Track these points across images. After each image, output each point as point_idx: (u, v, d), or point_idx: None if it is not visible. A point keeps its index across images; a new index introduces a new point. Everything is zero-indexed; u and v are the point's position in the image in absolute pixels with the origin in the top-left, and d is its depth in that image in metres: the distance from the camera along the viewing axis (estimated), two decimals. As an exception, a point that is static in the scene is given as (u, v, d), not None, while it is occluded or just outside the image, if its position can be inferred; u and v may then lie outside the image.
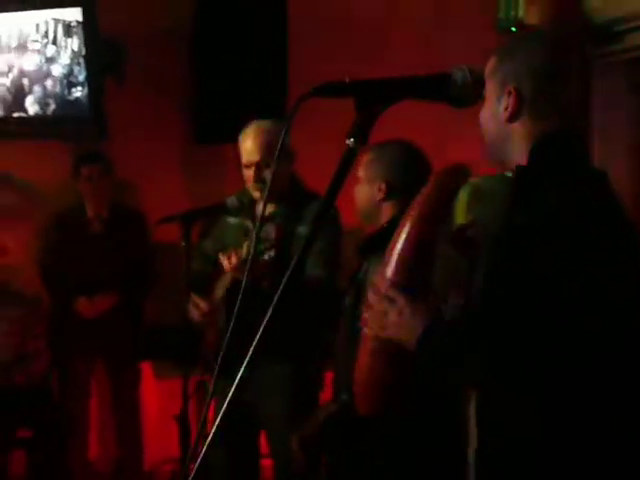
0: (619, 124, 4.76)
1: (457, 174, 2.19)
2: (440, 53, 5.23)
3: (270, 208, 3.69)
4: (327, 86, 1.73)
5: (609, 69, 4.71)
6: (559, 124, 1.99)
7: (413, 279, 2.09)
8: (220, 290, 3.70)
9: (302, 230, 3.51)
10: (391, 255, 2.13)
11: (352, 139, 1.70)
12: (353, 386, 2.31)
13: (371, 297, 2.09)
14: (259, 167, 3.65)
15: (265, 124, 3.71)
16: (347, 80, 1.73)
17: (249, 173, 3.70)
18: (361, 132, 1.71)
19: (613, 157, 4.53)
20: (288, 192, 3.71)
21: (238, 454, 3.79)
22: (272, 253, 3.39)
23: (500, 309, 1.88)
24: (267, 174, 3.63)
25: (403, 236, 2.12)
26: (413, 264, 2.10)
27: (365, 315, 2.11)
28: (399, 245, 2.12)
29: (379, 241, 2.87)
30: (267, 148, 3.63)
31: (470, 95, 1.80)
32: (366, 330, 2.14)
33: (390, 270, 2.11)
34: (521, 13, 5.03)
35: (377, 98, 1.71)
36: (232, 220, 3.81)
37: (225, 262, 3.48)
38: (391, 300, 2.04)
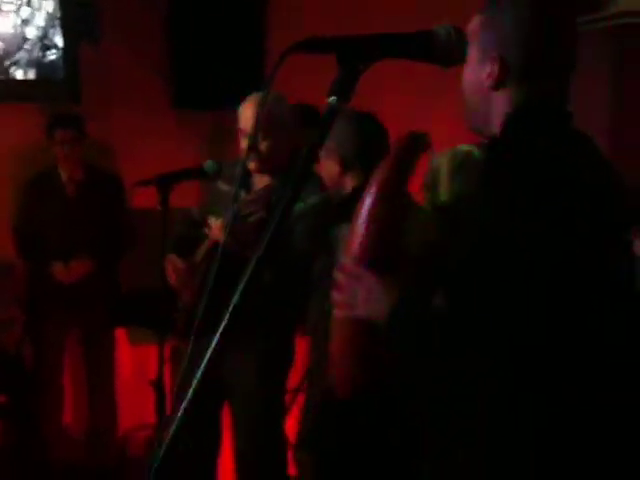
0: (601, 92, 4.74)
1: (414, 144, 2.14)
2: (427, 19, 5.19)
3: (266, 180, 3.64)
4: (308, 41, 1.69)
5: (593, 36, 4.69)
6: (541, 93, 1.92)
7: (379, 253, 2.04)
8: (200, 252, 3.66)
9: (296, 207, 3.47)
10: (354, 232, 2.07)
11: (333, 97, 1.66)
12: (330, 369, 2.27)
13: (338, 276, 2.04)
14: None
15: (263, 95, 3.64)
16: (328, 36, 1.69)
17: (244, 142, 3.64)
18: (343, 89, 1.66)
19: (594, 123, 4.52)
20: (286, 166, 3.62)
21: (201, 423, 3.75)
22: (262, 214, 3.34)
23: (470, 288, 1.82)
24: (263, 145, 3.58)
25: (364, 212, 2.07)
26: (377, 239, 2.05)
27: (334, 295, 2.05)
28: (361, 222, 2.07)
29: (343, 212, 2.86)
30: (262, 118, 3.57)
31: (454, 54, 1.75)
32: (337, 311, 2.08)
33: (355, 247, 2.06)
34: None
35: (359, 54, 1.67)
36: (224, 188, 3.76)
37: (212, 223, 3.45)
38: (358, 277, 2.00)
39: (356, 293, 1.99)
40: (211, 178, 3.69)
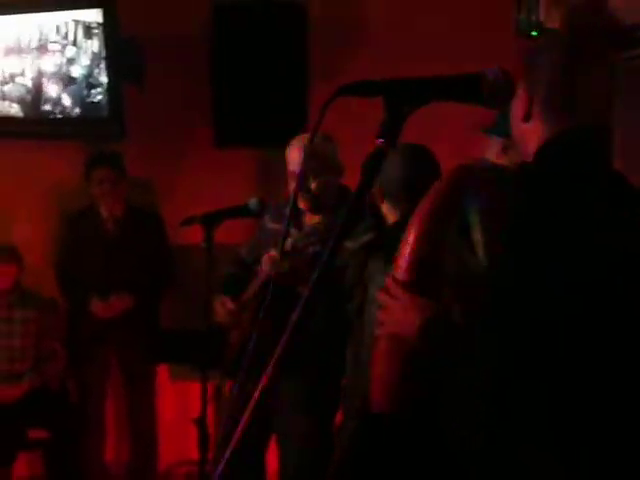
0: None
1: (469, 172, 2.17)
2: (458, 56, 5.20)
3: (316, 219, 3.66)
4: (355, 85, 1.70)
5: (635, 71, 4.67)
6: (570, 126, 1.95)
7: (422, 278, 2.10)
8: (252, 290, 3.68)
9: (348, 244, 3.48)
10: (400, 254, 2.14)
11: (382, 139, 1.67)
12: (370, 385, 2.30)
13: (381, 297, 2.12)
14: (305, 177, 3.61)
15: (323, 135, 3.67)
16: (376, 79, 1.71)
17: (293, 183, 3.67)
18: (390, 132, 1.68)
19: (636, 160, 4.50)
20: (336, 205, 3.64)
21: (245, 463, 3.75)
22: (317, 248, 3.36)
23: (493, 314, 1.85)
24: (313, 184, 3.61)
25: (412, 235, 2.13)
26: (421, 263, 2.11)
27: (378, 314, 2.13)
28: (408, 244, 2.13)
29: (382, 243, 2.86)
30: (312, 157, 3.60)
31: (502, 96, 1.77)
32: (378, 330, 2.15)
33: (399, 269, 2.12)
34: (541, 16, 5.00)
35: (407, 98, 1.68)
36: (273, 226, 3.79)
37: (265, 258, 3.47)
38: (395, 298, 2.07)
39: (394, 312, 2.08)
40: (255, 216, 3.72)
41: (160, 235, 5.32)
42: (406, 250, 2.13)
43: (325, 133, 3.63)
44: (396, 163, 3.15)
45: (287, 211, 3.74)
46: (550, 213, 1.82)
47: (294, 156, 3.65)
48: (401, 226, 2.98)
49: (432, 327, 1.97)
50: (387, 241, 2.75)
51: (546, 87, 1.97)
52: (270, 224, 3.82)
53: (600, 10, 4.68)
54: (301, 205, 3.66)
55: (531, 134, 2.00)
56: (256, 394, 1.60)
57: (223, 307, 3.72)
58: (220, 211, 3.63)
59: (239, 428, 1.61)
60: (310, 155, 3.55)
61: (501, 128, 3.79)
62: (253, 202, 3.67)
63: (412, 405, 2.30)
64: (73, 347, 5.29)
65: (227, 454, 1.61)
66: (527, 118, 1.99)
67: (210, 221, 3.55)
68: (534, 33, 4.99)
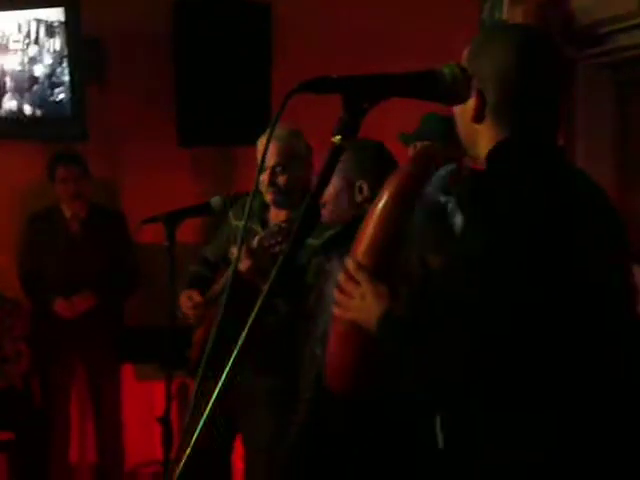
0: (603, 125, 4.77)
1: (431, 156, 2.17)
2: (422, 54, 5.21)
3: (282, 215, 3.64)
4: (314, 82, 1.70)
5: (594, 71, 4.72)
6: (522, 129, 1.99)
7: (381, 262, 2.10)
8: (216, 288, 3.67)
9: (311, 241, 3.48)
10: (362, 236, 2.13)
11: (339, 136, 1.68)
12: (325, 368, 2.31)
13: (341, 278, 2.11)
14: (273, 171, 3.60)
15: (281, 130, 3.65)
16: (334, 75, 1.71)
17: (263, 177, 3.64)
18: (348, 129, 1.68)
19: (598, 158, 4.54)
20: (301, 199, 3.60)
21: (209, 459, 3.73)
22: (283, 246, 3.34)
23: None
24: (280, 179, 3.60)
25: (374, 218, 2.12)
26: (382, 247, 2.11)
27: (336, 296, 2.12)
28: (370, 227, 2.12)
29: (343, 238, 2.84)
30: (281, 152, 3.59)
31: (460, 93, 1.78)
32: (336, 311, 2.15)
33: (359, 252, 2.12)
34: (504, 14, 5.03)
35: (365, 94, 1.69)
36: (237, 223, 3.77)
37: (234, 252, 3.45)
38: (356, 282, 2.06)
39: (352, 297, 2.07)
40: (218, 214, 3.71)
41: (123, 234, 5.30)
42: (368, 232, 2.12)
43: (294, 128, 3.62)
44: (362, 157, 3.13)
45: (249, 205, 3.72)
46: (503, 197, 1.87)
47: (262, 151, 3.63)
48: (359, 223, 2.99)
49: (389, 319, 1.98)
50: (350, 236, 2.73)
51: (498, 88, 1.98)
52: (235, 221, 3.81)
53: (559, 8, 4.71)
54: (267, 199, 3.64)
55: (482, 135, 2.03)
56: (215, 391, 1.60)
57: (190, 300, 3.71)
58: (183, 210, 3.62)
59: (198, 426, 1.61)
60: (279, 150, 3.53)
61: (422, 132, 3.82)
62: (216, 200, 3.65)
63: (365, 390, 2.32)
64: (37, 348, 5.26)
65: (186, 454, 1.61)
66: (479, 119, 2.01)
67: (172, 220, 3.54)
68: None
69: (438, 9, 5.51)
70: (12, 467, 5.25)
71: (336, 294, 2.11)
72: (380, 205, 2.11)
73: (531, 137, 2.00)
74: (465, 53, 2.06)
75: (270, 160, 3.56)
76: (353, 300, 2.06)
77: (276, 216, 3.67)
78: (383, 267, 2.09)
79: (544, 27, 4.60)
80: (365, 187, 3.07)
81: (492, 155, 2.00)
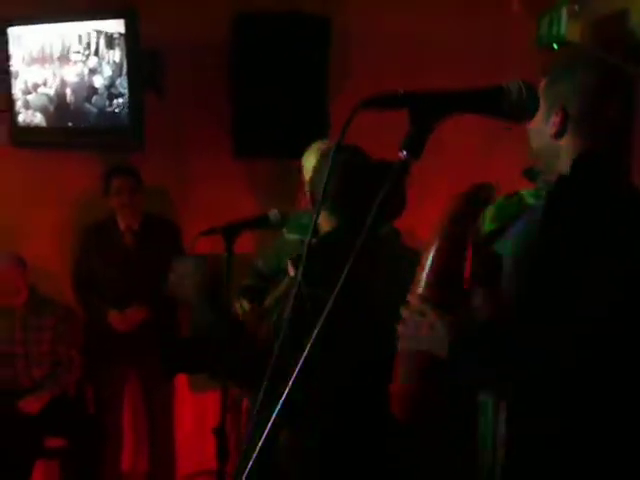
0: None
1: (483, 192, 2.19)
2: (478, 69, 5.20)
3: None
4: (380, 97, 1.70)
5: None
6: (602, 142, 2.11)
7: (444, 294, 2.13)
8: (270, 299, 3.68)
9: (291, 237, 3.45)
10: (422, 272, 2.16)
11: (405, 151, 1.68)
12: (391, 397, 2.30)
13: (405, 313, 2.13)
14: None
15: (327, 143, 3.63)
16: (401, 91, 1.71)
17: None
18: (414, 144, 1.68)
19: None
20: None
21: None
22: None
23: (530, 317, 1.97)
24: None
25: (432, 253, 2.15)
26: (443, 280, 2.14)
27: (400, 329, 2.15)
28: (429, 262, 2.15)
29: (317, 255, 2.79)
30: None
31: (525, 110, 1.77)
32: (401, 344, 2.17)
33: (421, 286, 2.15)
34: (563, 29, 5.00)
35: (431, 110, 1.69)
36: (291, 237, 3.76)
37: (290, 266, 3.44)
38: (423, 314, 2.08)
39: (420, 329, 2.09)
40: (275, 228, 3.70)
41: (177, 245, 5.32)
42: (427, 268, 2.15)
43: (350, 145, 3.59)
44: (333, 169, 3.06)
45: (282, 218, 3.65)
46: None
47: (308, 166, 3.62)
48: (337, 234, 2.95)
49: (462, 348, 2.02)
50: (321, 251, 2.69)
51: (579, 106, 2.12)
52: (287, 235, 3.81)
53: (618, 23, 4.68)
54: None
55: (565, 150, 2.13)
56: (275, 410, 1.60)
57: (240, 308, 3.72)
58: (241, 222, 3.62)
59: (258, 443, 1.61)
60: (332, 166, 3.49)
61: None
62: (274, 214, 3.63)
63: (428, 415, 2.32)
64: (90, 356, 5.31)
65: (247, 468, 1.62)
66: (560, 135, 2.13)
67: (231, 232, 3.55)
68: (555, 46, 4.99)
69: (496, 24, 5.50)
70: (64, 473, 5.29)
71: (400, 327, 2.15)
72: (435, 244, 2.15)
73: (612, 147, 2.14)
74: (546, 77, 2.20)
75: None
76: (421, 331, 2.09)
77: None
78: (446, 296, 2.12)
79: (603, 43, 4.57)
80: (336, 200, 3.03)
81: (578, 162, 2.11)
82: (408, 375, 2.22)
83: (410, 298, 2.15)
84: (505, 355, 1.96)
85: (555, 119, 2.13)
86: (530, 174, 3.58)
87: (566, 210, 2.03)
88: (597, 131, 2.12)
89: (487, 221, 2.41)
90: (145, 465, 5.55)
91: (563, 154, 2.13)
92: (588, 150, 2.10)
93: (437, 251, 2.14)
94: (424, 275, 2.15)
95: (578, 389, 1.87)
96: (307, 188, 3.20)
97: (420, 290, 2.15)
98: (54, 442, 5.19)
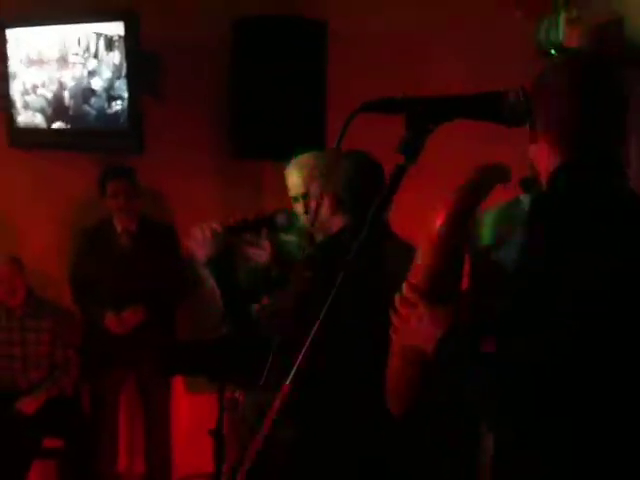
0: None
1: (498, 169, 2.14)
2: (478, 75, 5.21)
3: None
4: (378, 102, 1.72)
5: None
6: (579, 152, 1.96)
7: (437, 285, 2.07)
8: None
9: (288, 238, 3.45)
10: (416, 260, 2.10)
11: (403, 155, 1.69)
12: (385, 390, 2.29)
13: (397, 302, 2.08)
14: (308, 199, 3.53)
15: (308, 156, 3.57)
16: (399, 96, 1.73)
17: (298, 206, 3.49)
18: (412, 149, 1.70)
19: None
20: None
21: None
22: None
23: (516, 329, 1.87)
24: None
25: (429, 239, 2.08)
26: (437, 270, 2.07)
27: (393, 320, 2.10)
28: (424, 250, 2.09)
29: (327, 251, 2.81)
30: (313, 179, 3.44)
31: (523, 115, 1.79)
32: (394, 336, 2.12)
33: (414, 275, 2.09)
34: (561, 36, 5.00)
35: (429, 115, 1.71)
36: (286, 238, 3.73)
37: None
38: (413, 306, 2.04)
39: (409, 321, 2.04)
40: (281, 231, 3.65)
41: (174, 248, 5.31)
42: (422, 254, 2.09)
43: (316, 151, 3.55)
44: (352, 170, 3.10)
45: (288, 222, 3.62)
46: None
47: (293, 181, 3.47)
48: (346, 234, 2.97)
49: (449, 343, 1.95)
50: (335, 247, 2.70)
51: (552, 113, 1.96)
52: (284, 236, 3.79)
53: (617, 28, 4.68)
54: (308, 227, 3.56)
55: (540, 155, 2.01)
56: (274, 407, 1.61)
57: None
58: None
59: (255, 445, 1.62)
60: (312, 178, 3.33)
61: None
62: (281, 216, 3.54)
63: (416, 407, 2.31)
64: (88, 357, 5.31)
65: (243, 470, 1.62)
66: (532, 140, 1.99)
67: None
68: (553, 52, 5.00)
69: (494, 29, 5.50)
70: (61, 474, 5.30)
71: (392, 317, 2.10)
72: (435, 227, 2.07)
73: (595, 159, 1.98)
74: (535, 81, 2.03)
75: (302, 188, 3.38)
76: (409, 323, 2.04)
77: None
78: (439, 290, 2.06)
79: (601, 48, 4.58)
80: (332, 200, 3.08)
81: (555, 176, 1.98)
82: (400, 369, 2.19)
83: (403, 286, 2.09)
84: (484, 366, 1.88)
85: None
86: (525, 184, 3.56)
87: (548, 213, 1.93)
88: (573, 141, 1.96)
89: (486, 227, 2.42)
90: (141, 466, 5.55)
91: (539, 158, 2.01)
92: (563, 165, 1.96)
93: (438, 235, 2.06)
94: (418, 262, 2.09)
95: (561, 392, 1.81)
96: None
97: (412, 278, 2.09)
98: (51, 443, 5.20)
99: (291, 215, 3.54)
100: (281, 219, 3.55)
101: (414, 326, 2.02)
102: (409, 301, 2.06)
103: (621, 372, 1.79)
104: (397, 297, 2.09)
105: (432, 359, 1.98)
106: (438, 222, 2.07)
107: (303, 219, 3.48)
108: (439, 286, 2.07)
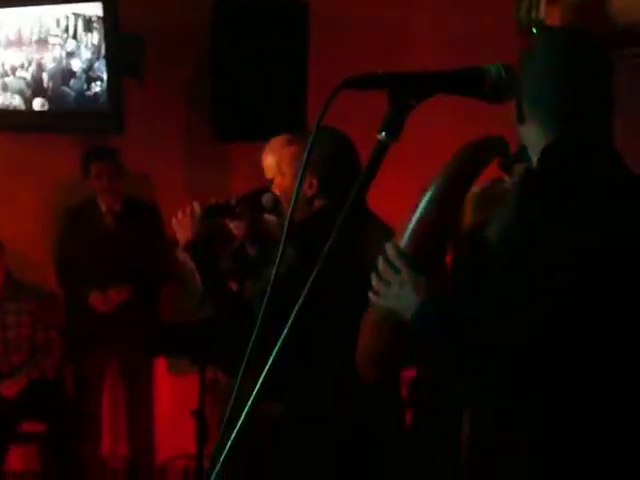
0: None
1: (492, 146, 2.13)
2: (463, 53, 5.20)
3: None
4: (360, 78, 1.71)
5: (633, 71, 4.67)
6: (566, 129, 1.94)
7: (423, 253, 2.06)
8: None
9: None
10: (408, 224, 2.08)
11: (384, 133, 1.68)
12: (356, 353, 2.27)
13: (380, 264, 2.06)
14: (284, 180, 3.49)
15: (284, 137, 3.54)
16: (380, 72, 1.71)
17: (275, 187, 3.44)
18: (394, 125, 1.68)
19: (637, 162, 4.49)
20: None
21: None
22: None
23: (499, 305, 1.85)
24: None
25: (422, 209, 2.07)
26: (426, 239, 2.07)
27: (373, 279, 2.07)
28: (417, 217, 2.07)
29: (306, 231, 2.79)
30: (289, 161, 3.35)
31: (504, 91, 1.78)
32: (372, 296, 2.10)
33: (403, 239, 2.07)
34: (542, 13, 5.01)
35: (412, 91, 1.69)
36: (269, 217, 3.70)
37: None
38: (396, 270, 2.02)
39: (391, 284, 2.02)
40: (267, 212, 3.61)
41: (158, 228, 5.30)
42: (413, 216, 2.07)
43: (294, 133, 3.55)
44: (337, 155, 3.07)
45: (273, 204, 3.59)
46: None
47: (268, 163, 3.49)
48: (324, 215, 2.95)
49: (426, 312, 1.94)
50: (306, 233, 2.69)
51: (541, 91, 1.96)
52: (267, 216, 3.78)
53: (597, 7, 4.68)
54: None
55: (528, 136, 2.00)
56: (256, 388, 1.60)
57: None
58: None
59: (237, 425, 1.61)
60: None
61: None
62: (267, 197, 3.49)
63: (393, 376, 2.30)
64: (71, 339, 5.30)
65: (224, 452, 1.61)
66: (520, 120, 1.98)
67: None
68: (534, 30, 5.00)
69: (474, 8, 5.50)
70: (44, 458, 5.29)
71: (374, 280, 2.07)
72: (430, 191, 2.07)
73: (584, 137, 1.97)
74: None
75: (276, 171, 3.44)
76: (391, 288, 2.02)
77: None
78: (426, 256, 2.05)
79: (583, 26, 4.58)
80: (314, 182, 3.03)
81: (545, 154, 1.97)
82: (373, 331, 2.18)
83: (388, 248, 2.07)
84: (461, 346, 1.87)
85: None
86: (504, 165, 3.55)
87: (532, 192, 1.92)
88: (559, 118, 1.94)
89: (471, 210, 2.39)
90: (125, 449, 5.55)
91: (527, 139, 2.01)
92: (555, 140, 1.94)
93: (430, 207, 2.06)
94: (410, 227, 2.07)
95: (539, 375, 1.80)
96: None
97: (401, 241, 2.07)
98: (33, 427, 5.19)
99: (276, 197, 3.52)
100: (267, 199, 3.52)
101: (396, 291, 2.01)
102: (393, 265, 2.03)
103: (593, 348, 1.79)
104: (380, 260, 2.06)
105: (408, 326, 1.97)
106: (433, 186, 2.06)
107: (282, 200, 3.47)
108: (425, 255, 2.06)
